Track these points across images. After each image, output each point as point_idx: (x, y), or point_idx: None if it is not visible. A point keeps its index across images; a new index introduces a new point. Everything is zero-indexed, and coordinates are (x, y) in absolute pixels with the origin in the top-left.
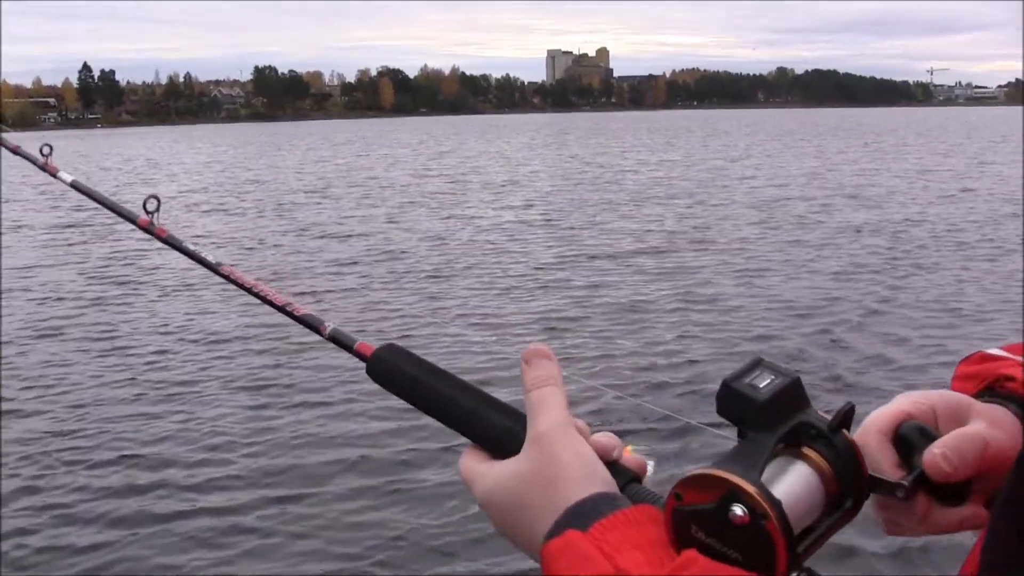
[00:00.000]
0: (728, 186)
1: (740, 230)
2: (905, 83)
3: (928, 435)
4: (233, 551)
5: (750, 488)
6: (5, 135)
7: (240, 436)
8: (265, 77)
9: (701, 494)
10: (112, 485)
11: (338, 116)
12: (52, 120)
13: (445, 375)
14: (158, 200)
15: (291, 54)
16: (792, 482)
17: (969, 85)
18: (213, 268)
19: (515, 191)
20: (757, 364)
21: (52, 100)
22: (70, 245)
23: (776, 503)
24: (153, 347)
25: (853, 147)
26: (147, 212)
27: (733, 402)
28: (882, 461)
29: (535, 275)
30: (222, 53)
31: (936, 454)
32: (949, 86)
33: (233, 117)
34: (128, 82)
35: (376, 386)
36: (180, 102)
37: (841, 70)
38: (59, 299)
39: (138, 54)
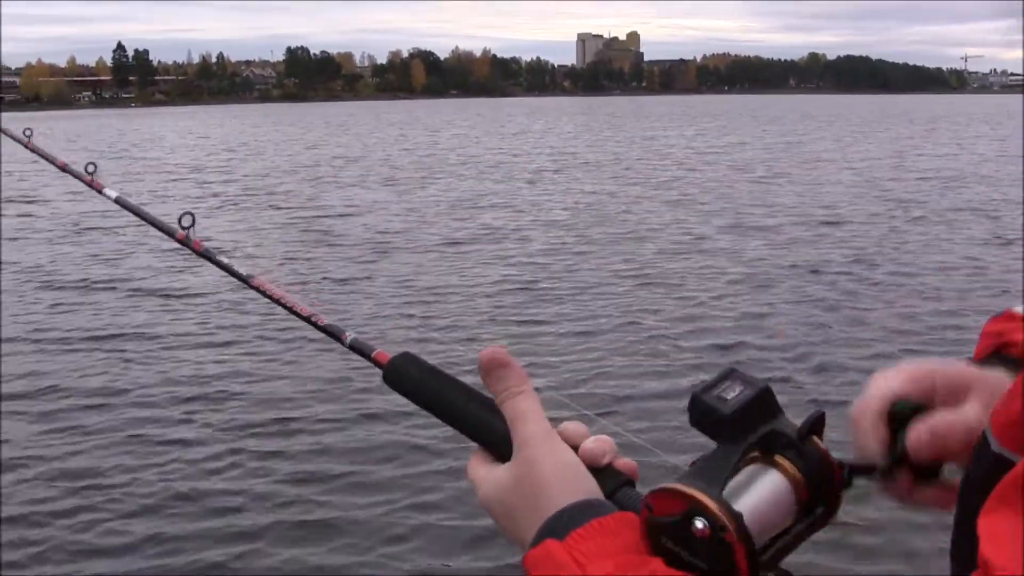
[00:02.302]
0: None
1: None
2: (939, 70)
3: (916, 413)
4: (251, 549)
5: (710, 503)
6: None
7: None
8: (297, 58)
9: (668, 507)
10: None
11: (369, 97)
12: (87, 99)
13: (454, 382)
14: (193, 216)
15: (320, 35)
16: (760, 490)
17: (1004, 72)
18: (245, 280)
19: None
20: (728, 375)
21: (95, 77)
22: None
23: (737, 516)
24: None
25: (938, 133)
26: (183, 228)
27: (701, 414)
28: (874, 439)
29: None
30: (253, 34)
31: (916, 436)
32: (983, 73)
33: (265, 97)
34: (159, 62)
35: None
36: (213, 82)
37: (869, 55)
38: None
39: (170, 34)
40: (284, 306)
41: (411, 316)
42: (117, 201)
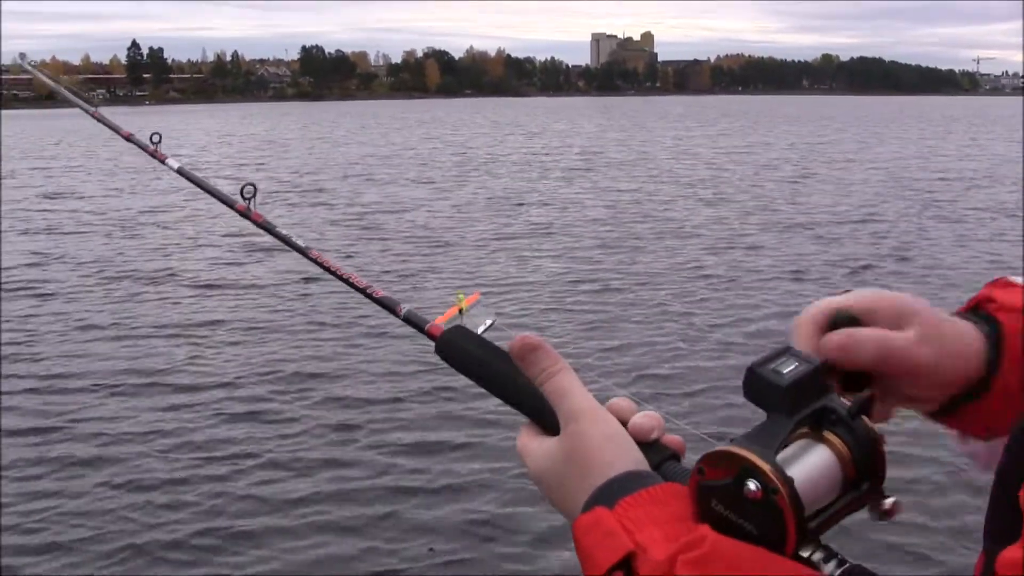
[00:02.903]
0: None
1: None
2: (951, 72)
3: (853, 324)
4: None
5: (764, 465)
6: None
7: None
8: (312, 57)
9: (720, 470)
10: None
11: (383, 97)
12: (101, 97)
13: (505, 355)
14: (255, 187)
15: (335, 34)
16: (809, 463)
17: (1016, 75)
18: (303, 251)
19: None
20: (784, 352)
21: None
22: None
23: (788, 480)
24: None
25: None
26: (244, 198)
27: (757, 386)
28: (804, 339)
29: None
30: (266, 32)
31: (833, 337)
32: (995, 75)
33: (280, 96)
34: (173, 60)
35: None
36: (227, 80)
37: (883, 56)
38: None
39: (185, 32)
40: (341, 278)
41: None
42: (180, 172)
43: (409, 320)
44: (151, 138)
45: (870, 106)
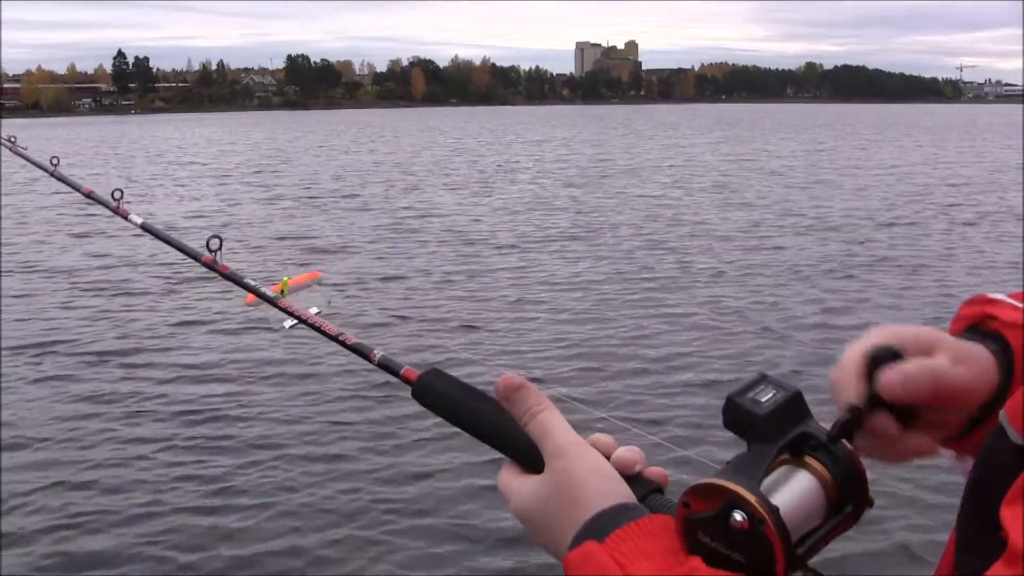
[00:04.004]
0: None
1: None
2: (934, 80)
3: (896, 357)
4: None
5: (749, 496)
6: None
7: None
8: (297, 66)
9: (706, 502)
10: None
11: (369, 105)
12: (87, 106)
13: (482, 396)
14: (220, 239)
15: (319, 43)
16: (792, 489)
17: (999, 83)
18: (271, 301)
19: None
20: (761, 380)
21: (94, 84)
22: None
23: (774, 509)
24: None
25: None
26: (210, 251)
27: (737, 416)
28: (853, 384)
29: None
30: (251, 41)
31: (888, 374)
32: (979, 83)
33: (265, 104)
34: (158, 69)
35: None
36: (213, 89)
37: (867, 65)
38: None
39: (170, 41)
40: (312, 326)
41: (539, 303)
42: (143, 227)
43: (384, 366)
44: (113, 194)
45: (857, 113)
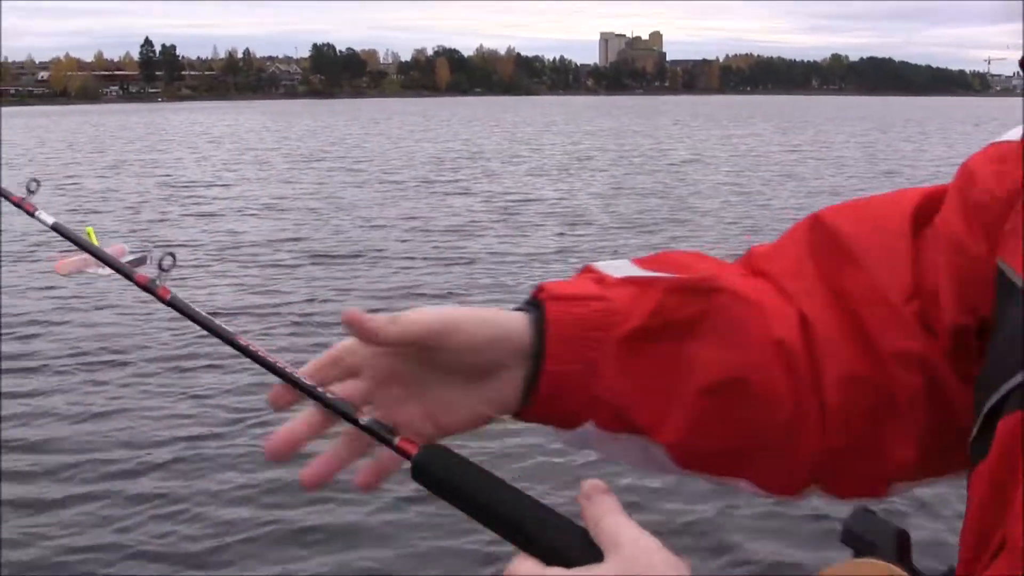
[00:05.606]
0: None
1: None
2: (961, 72)
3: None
4: None
5: None
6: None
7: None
8: (323, 54)
9: None
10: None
11: (394, 95)
12: (114, 94)
13: (495, 481)
14: (174, 257)
15: (344, 32)
16: None
17: None
18: (230, 340)
19: None
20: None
21: (121, 72)
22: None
23: None
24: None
25: None
26: (163, 269)
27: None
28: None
29: None
30: (276, 30)
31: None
32: (1007, 76)
33: (291, 93)
34: (183, 57)
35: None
36: (239, 78)
37: (892, 57)
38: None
39: (196, 30)
40: (278, 373)
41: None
42: (54, 228)
43: (371, 431)
44: (28, 186)
45: (889, 106)
